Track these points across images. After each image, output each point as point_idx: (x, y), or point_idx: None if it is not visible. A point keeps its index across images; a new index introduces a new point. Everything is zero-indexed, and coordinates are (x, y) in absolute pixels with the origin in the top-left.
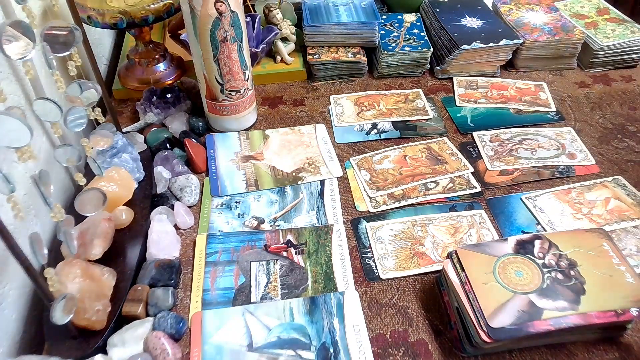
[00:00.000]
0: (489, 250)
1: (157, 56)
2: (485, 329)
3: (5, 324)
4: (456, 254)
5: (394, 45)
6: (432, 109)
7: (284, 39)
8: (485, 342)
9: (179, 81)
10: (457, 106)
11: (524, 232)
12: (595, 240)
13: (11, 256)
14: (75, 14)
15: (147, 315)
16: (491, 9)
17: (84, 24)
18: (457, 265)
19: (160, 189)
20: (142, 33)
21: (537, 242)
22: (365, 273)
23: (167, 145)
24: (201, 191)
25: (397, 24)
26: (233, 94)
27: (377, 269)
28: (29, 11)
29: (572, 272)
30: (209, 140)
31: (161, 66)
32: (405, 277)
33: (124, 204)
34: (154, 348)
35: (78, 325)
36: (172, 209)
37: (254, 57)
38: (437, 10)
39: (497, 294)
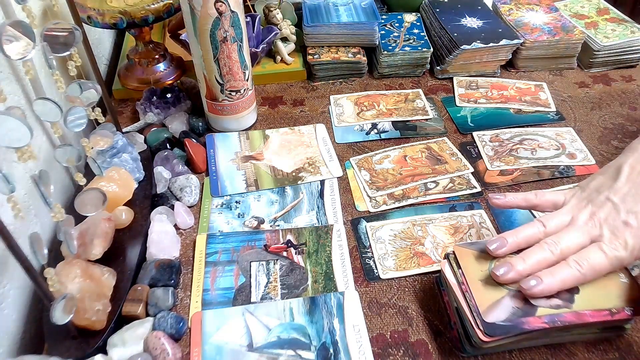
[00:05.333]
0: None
1: (157, 56)
2: (481, 327)
3: (5, 324)
4: (453, 253)
5: (394, 45)
6: (432, 109)
7: (284, 39)
8: (483, 341)
9: (179, 81)
10: (457, 106)
11: None
12: None
13: (11, 256)
14: (75, 14)
15: (147, 315)
16: (491, 9)
17: (84, 24)
18: (454, 263)
19: (160, 189)
20: (142, 33)
21: None
22: (365, 273)
23: (167, 145)
24: (201, 191)
25: (397, 24)
26: (233, 94)
27: (377, 269)
28: (29, 11)
29: None
30: (209, 140)
31: (161, 66)
32: (405, 277)
33: (124, 204)
34: (154, 348)
35: (78, 325)
36: (172, 209)
37: (254, 57)
38: (437, 10)
39: (492, 291)
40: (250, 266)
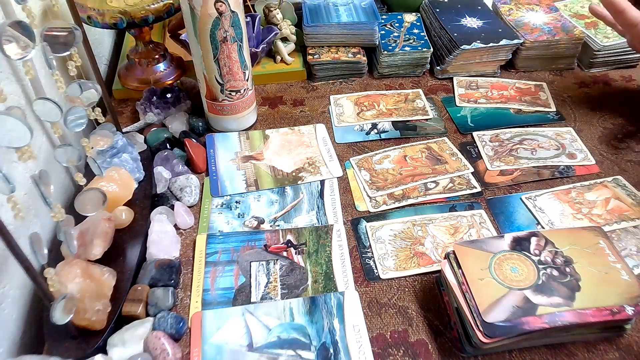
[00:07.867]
0: (485, 246)
1: (157, 56)
2: (481, 328)
3: (5, 324)
4: (453, 252)
5: (394, 45)
6: (432, 109)
7: (284, 39)
8: (483, 342)
9: (179, 81)
10: (457, 106)
11: None
12: (591, 238)
13: (11, 256)
14: (75, 14)
15: (147, 315)
16: (491, 9)
17: (84, 24)
18: (454, 262)
19: (160, 189)
20: (142, 33)
21: (533, 239)
22: (365, 273)
23: (167, 145)
24: (201, 191)
25: (397, 24)
26: (233, 94)
27: (377, 269)
28: (29, 11)
29: (567, 269)
30: (209, 140)
31: (161, 66)
32: (405, 277)
33: (124, 204)
34: (154, 348)
35: (78, 325)
36: (172, 209)
37: (254, 57)
38: (437, 10)
39: (492, 290)
40: (250, 266)
